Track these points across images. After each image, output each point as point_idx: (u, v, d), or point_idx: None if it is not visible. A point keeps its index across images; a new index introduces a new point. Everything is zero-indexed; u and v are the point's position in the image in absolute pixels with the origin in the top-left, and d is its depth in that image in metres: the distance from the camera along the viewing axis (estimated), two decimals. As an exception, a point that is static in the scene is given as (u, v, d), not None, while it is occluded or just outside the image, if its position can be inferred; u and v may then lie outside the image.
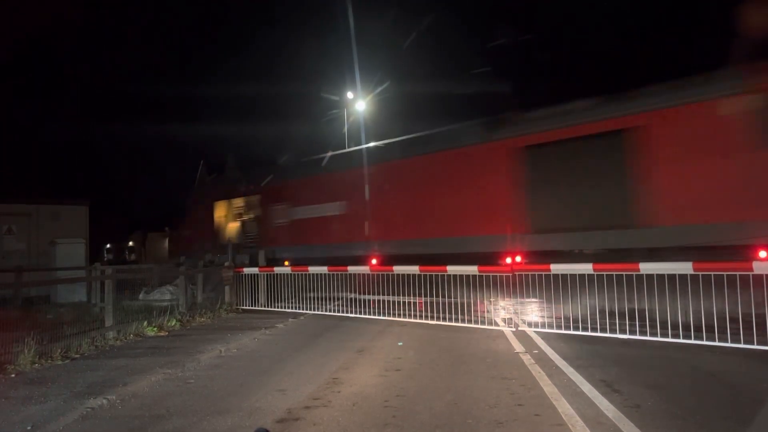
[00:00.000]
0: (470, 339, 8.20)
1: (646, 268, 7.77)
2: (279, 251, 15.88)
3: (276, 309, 12.03)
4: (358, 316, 10.68)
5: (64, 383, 5.81)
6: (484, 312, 9.71)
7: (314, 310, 11.55)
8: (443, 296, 9.96)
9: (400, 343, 8.00)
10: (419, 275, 10.17)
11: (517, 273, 9.08)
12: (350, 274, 11.38)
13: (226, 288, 12.35)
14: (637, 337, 7.51)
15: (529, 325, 9.06)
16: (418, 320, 9.91)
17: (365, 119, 22.43)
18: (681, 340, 7.22)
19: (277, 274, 12.32)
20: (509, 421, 4.44)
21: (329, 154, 15.66)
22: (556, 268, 8.58)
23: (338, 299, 11.66)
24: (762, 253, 7.86)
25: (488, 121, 12.54)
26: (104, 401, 5.15)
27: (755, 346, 6.55)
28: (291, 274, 12.11)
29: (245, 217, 18.35)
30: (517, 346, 7.43)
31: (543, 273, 8.80)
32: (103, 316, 9.17)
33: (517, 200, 11.31)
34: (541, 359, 6.62)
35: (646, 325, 7.64)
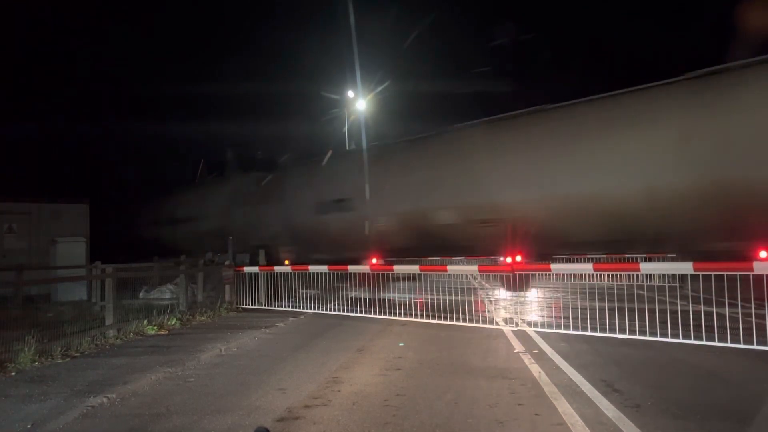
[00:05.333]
0: (470, 338, 8.20)
1: (647, 268, 7.78)
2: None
3: (276, 308, 12.04)
4: (358, 315, 10.68)
5: (64, 382, 5.81)
6: (484, 311, 9.71)
7: (314, 309, 11.55)
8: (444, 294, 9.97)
9: (401, 344, 8.00)
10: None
11: (517, 272, 9.08)
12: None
13: (227, 287, 12.35)
14: (637, 336, 7.51)
15: (529, 324, 9.07)
16: (418, 319, 9.91)
17: (366, 118, 22.44)
18: (681, 340, 7.22)
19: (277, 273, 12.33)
20: (509, 420, 4.45)
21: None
22: (557, 267, 8.59)
23: (338, 298, 11.67)
24: (762, 253, 7.86)
25: None
26: (104, 400, 5.15)
27: (755, 346, 6.55)
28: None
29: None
30: (517, 346, 7.42)
31: (543, 272, 8.80)
32: (103, 314, 9.18)
33: None
34: (541, 359, 6.62)
35: (645, 325, 7.64)
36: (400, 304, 10.19)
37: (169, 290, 13.17)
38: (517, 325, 9.00)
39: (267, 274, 12.58)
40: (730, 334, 6.93)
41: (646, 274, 8.52)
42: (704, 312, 6.97)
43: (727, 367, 6.17)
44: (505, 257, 10.80)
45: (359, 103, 23.00)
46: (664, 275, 8.54)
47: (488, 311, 9.84)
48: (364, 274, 11.49)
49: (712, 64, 8.89)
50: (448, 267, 9.83)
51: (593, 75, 29.00)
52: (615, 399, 4.90)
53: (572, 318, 8.48)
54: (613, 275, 11.83)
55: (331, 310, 11.28)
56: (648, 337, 7.46)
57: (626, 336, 7.56)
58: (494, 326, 9.04)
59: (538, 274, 8.85)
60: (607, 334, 7.69)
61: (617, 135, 9.09)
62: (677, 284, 9.02)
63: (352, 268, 11.34)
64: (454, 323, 9.30)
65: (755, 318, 6.62)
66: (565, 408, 4.68)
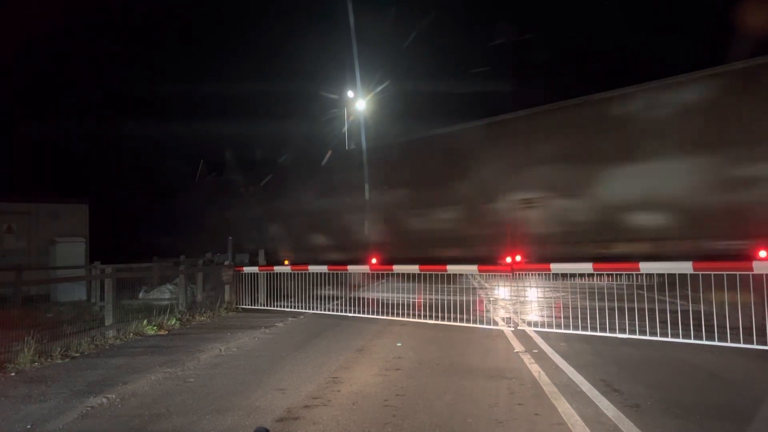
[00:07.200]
0: (470, 338, 8.20)
1: (646, 267, 7.77)
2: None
3: (276, 308, 12.03)
4: (357, 315, 10.67)
5: (63, 382, 5.81)
6: (483, 311, 9.70)
7: (314, 309, 11.54)
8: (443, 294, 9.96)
9: (400, 344, 8.00)
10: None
11: (516, 272, 9.07)
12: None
13: (226, 287, 12.34)
14: (637, 336, 7.51)
15: (529, 324, 9.06)
16: (417, 320, 9.91)
17: (365, 118, 22.45)
18: (681, 340, 7.22)
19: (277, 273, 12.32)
20: (509, 420, 4.44)
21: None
22: (556, 267, 8.58)
23: (338, 298, 11.66)
24: (762, 253, 7.84)
25: None
26: (104, 400, 5.15)
27: (755, 346, 6.55)
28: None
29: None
30: (517, 346, 7.42)
31: (543, 272, 8.79)
32: (102, 314, 9.17)
33: None
34: (541, 358, 6.62)
35: (645, 324, 7.64)
36: (399, 304, 10.19)
37: (169, 290, 13.14)
38: (516, 325, 8.99)
39: (267, 274, 12.57)
40: (730, 334, 6.93)
41: (646, 274, 8.51)
42: (704, 312, 6.97)
43: (727, 367, 6.17)
44: (505, 257, 10.79)
45: (359, 103, 23.01)
46: (664, 275, 8.53)
47: (488, 311, 9.84)
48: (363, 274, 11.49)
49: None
50: (448, 267, 9.81)
51: (592, 75, 28.99)
52: (615, 399, 4.90)
53: (572, 318, 8.48)
54: (612, 275, 11.83)
55: (330, 310, 11.27)
56: (648, 337, 7.47)
57: (626, 336, 7.56)
58: (494, 326, 9.03)
59: (537, 274, 8.84)
60: (607, 334, 7.69)
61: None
62: (677, 284, 9.01)
63: (351, 268, 11.33)
64: (454, 323, 9.29)
65: (755, 318, 6.62)
66: (564, 408, 4.68)
